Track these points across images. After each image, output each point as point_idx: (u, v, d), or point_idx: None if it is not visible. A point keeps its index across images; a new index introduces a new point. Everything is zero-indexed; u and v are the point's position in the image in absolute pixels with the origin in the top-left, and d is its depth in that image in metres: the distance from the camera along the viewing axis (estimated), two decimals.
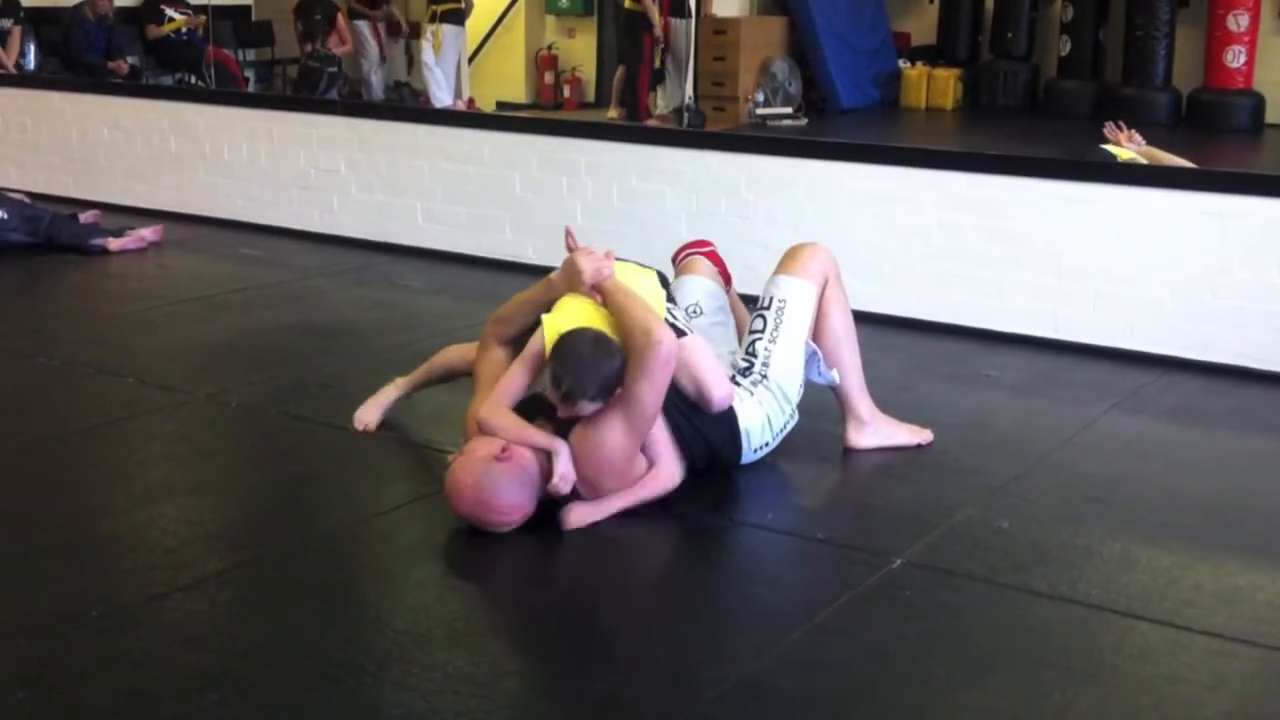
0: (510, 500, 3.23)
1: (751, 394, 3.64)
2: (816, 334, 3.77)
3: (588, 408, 3.28)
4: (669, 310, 3.58)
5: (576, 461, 3.28)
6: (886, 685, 2.66)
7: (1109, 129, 6.51)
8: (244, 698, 2.54)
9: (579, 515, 3.32)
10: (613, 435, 3.27)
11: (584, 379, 3.23)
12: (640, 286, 3.54)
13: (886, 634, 2.85)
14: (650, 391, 3.25)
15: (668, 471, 3.46)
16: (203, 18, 11.63)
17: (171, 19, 11.48)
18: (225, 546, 3.24)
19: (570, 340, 3.29)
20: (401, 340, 5.00)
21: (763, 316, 3.72)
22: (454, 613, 3.01)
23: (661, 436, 3.46)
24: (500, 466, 3.21)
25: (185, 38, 11.58)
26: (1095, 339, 4.98)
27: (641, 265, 3.69)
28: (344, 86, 11.96)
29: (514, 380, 3.41)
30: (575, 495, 3.30)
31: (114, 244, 6.42)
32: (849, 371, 3.83)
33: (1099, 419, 4.27)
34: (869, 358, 3.92)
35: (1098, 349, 4.96)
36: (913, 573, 3.12)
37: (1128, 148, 6.28)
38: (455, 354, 3.92)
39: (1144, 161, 6.07)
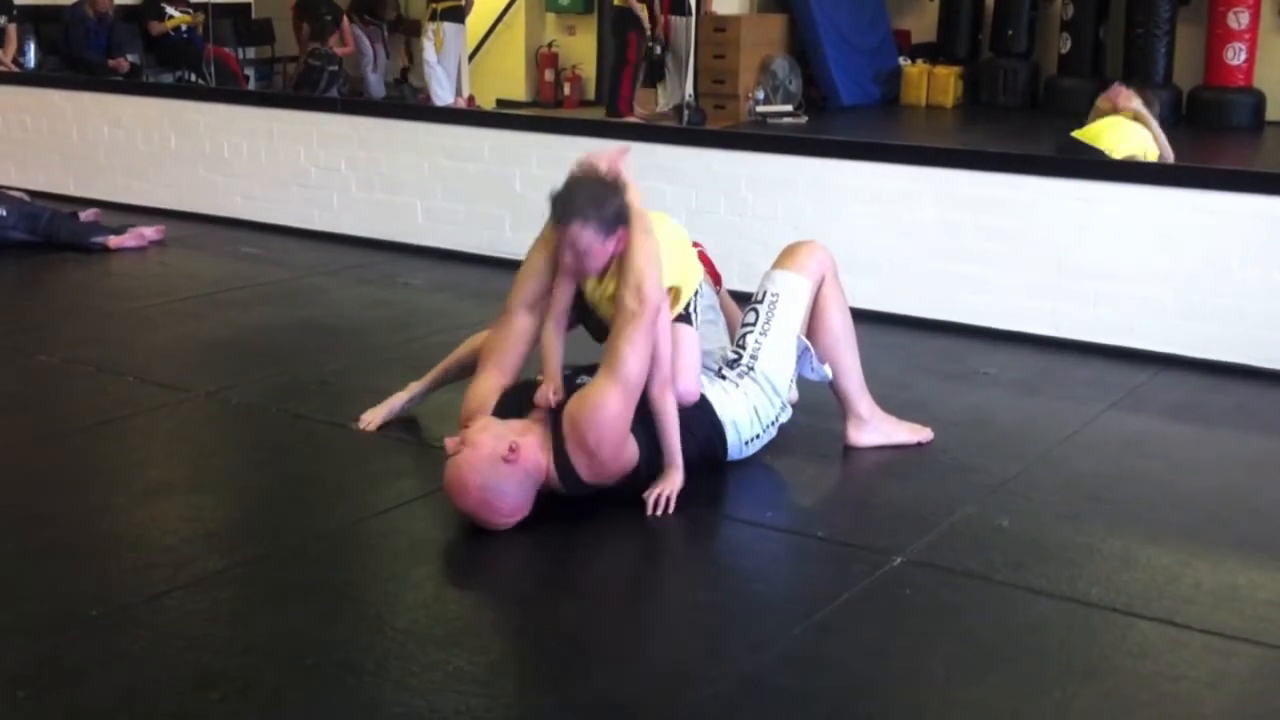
0: (514, 503, 3.23)
1: (737, 385, 3.63)
2: (814, 332, 3.76)
3: (584, 234, 3.28)
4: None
5: (575, 434, 3.25)
6: (886, 683, 2.67)
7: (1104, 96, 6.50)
8: (244, 696, 2.54)
9: (670, 489, 3.37)
10: (607, 400, 3.24)
11: (580, 197, 3.29)
12: (675, 234, 3.61)
13: (886, 632, 2.86)
14: (631, 351, 3.25)
15: (685, 385, 3.47)
16: (201, 15, 11.63)
17: (171, 16, 11.49)
18: (225, 545, 3.24)
19: (571, 175, 3.35)
20: (402, 338, 5.00)
21: (755, 310, 3.72)
22: (454, 611, 3.01)
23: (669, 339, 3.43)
24: (507, 469, 3.19)
25: (185, 35, 11.58)
26: (1095, 337, 4.98)
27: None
28: (344, 85, 11.96)
29: (560, 294, 3.46)
30: (574, 486, 3.30)
31: (114, 241, 6.42)
32: (848, 370, 3.82)
33: (1099, 417, 4.27)
34: (868, 356, 3.92)
35: (1097, 347, 4.96)
36: (913, 570, 3.12)
37: (1124, 109, 6.29)
38: (479, 341, 3.86)
39: (1138, 156, 6.10)
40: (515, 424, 3.32)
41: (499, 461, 3.19)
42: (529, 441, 3.27)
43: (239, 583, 3.03)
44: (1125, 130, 6.32)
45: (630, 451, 3.36)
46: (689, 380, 3.49)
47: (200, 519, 3.39)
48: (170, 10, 11.51)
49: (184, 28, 11.56)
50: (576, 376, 3.44)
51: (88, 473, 3.75)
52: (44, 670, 2.61)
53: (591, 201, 3.29)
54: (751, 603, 3.06)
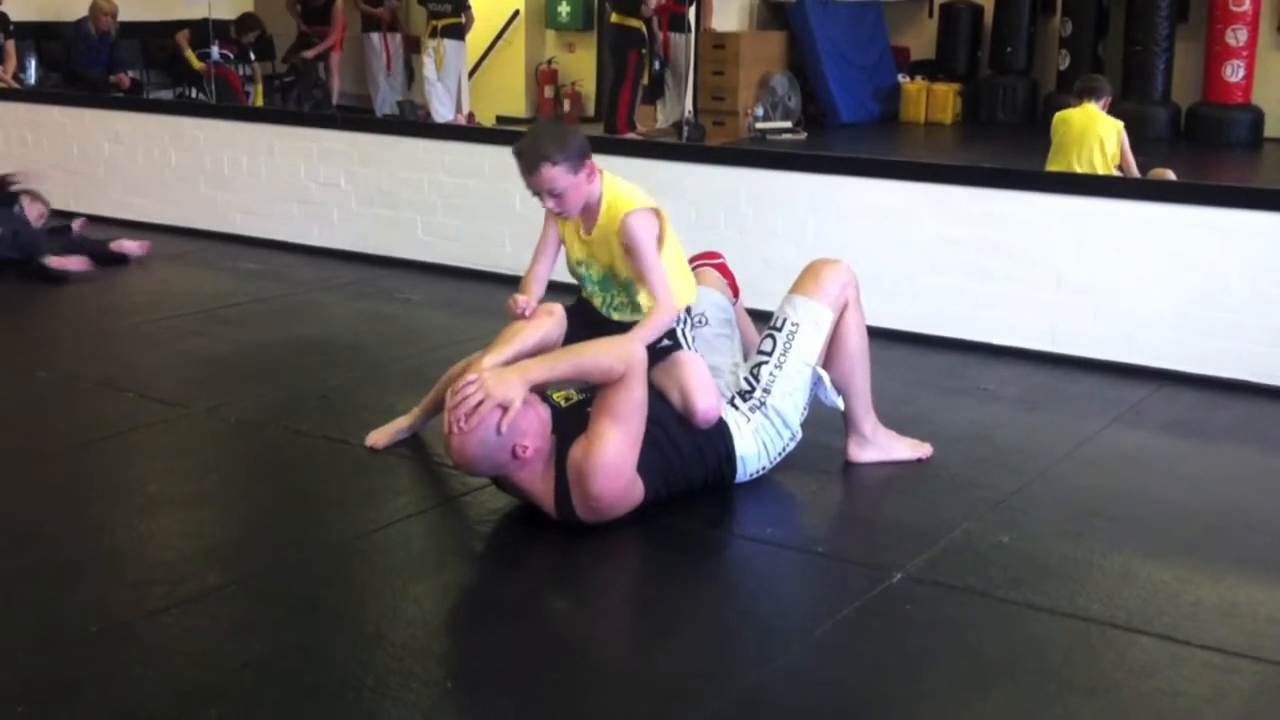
0: (477, 465, 3.30)
1: (748, 420, 3.62)
2: (832, 356, 3.73)
3: (554, 172, 3.42)
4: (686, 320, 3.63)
5: (580, 485, 3.25)
6: (886, 699, 2.66)
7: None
8: (243, 713, 2.53)
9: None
10: (611, 440, 3.24)
11: (542, 138, 3.45)
12: (672, 249, 3.66)
13: (887, 648, 2.85)
14: (625, 396, 3.27)
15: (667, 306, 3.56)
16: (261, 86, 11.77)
17: (205, 55, 11.52)
18: (224, 561, 3.23)
19: (531, 126, 3.64)
20: (401, 354, 5.00)
21: (772, 337, 3.68)
22: (453, 627, 3.00)
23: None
24: (507, 461, 3.25)
25: (216, 62, 11.62)
26: (1095, 352, 4.98)
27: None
28: (318, 93, 12.06)
29: (539, 263, 3.68)
30: (569, 520, 3.30)
31: (55, 262, 6.15)
32: (859, 393, 3.80)
33: (1099, 433, 4.27)
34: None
35: (1097, 362, 4.96)
36: (913, 587, 3.12)
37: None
38: (458, 369, 3.87)
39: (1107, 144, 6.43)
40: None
41: (506, 449, 3.22)
42: (540, 452, 3.28)
43: (238, 599, 3.02)
44: (1107, 124, 6.94)
45: (634, 494, 3.35)
46: (708, 398, 3.50)
47: (199, 535, 3.39)
48: (215, 53, 11.53)
49: (219, 55, 11.60)
50: (589, 404, 3.43)
51: (87, 488, 3.74)
52: (42, 686, 2.60)
53: (554, 139, 3.45)
54: (752, 618, 3.06)
